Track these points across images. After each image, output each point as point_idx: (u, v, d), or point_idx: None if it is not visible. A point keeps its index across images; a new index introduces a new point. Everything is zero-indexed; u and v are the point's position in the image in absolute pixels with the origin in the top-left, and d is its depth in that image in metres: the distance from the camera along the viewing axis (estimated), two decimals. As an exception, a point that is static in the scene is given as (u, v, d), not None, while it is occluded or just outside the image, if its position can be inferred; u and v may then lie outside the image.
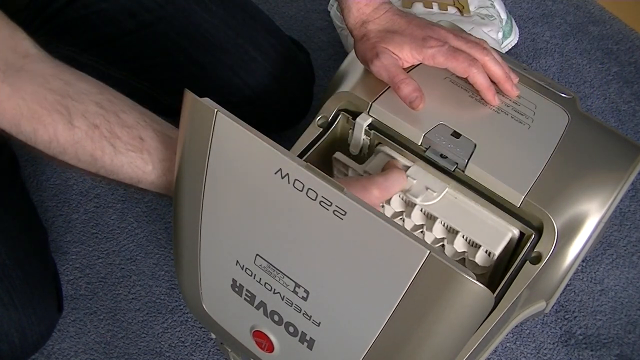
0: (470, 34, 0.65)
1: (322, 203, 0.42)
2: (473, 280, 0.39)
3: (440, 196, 0.58)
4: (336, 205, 0.41)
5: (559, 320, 0.83)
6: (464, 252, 0.58)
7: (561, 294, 0.84)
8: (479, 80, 0.60)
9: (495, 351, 0.81)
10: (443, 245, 0.59)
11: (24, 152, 0.92)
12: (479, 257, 0.57)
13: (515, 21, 1.13)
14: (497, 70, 0.61)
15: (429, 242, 0.60)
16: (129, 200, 0.92)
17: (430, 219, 0.59)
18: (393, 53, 0.62)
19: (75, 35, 0.81)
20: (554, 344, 0.82)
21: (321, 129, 0.63)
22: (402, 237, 0.39)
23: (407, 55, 0.62)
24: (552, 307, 0.84)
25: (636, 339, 0.82)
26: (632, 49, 1.12)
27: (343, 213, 0.41)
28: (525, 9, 1.18)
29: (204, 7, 0.82)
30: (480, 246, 0.56)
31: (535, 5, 1.18)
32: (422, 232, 0.60)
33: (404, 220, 0.61)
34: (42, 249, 0.80)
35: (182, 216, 0.52)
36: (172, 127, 0.57)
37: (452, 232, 0.58)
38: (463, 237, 0.57)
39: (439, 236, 0.59)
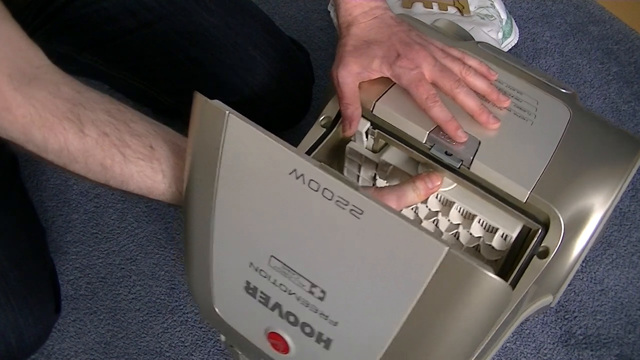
0: (455, 53, 0.63)
1: (338, 202, 0.42)
2: (492, 275, 0.39)
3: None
4: (353, 205, 0.41)
5: (559, 320, 0.83)
6: (480, 237, 0.59)
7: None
8: (439, 115, 0.58)
9: (495, 351, 0.81)
10: (458, 232, 0.60)
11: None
12: (496, 241, 0.58)
13: (515, 21, 1.13)
14: (471, 101, 0.59)
15: (444, 227, 0.61)
16: (129, 200, 0.92)
17: (446, 205, 0.59)
18: (362, 66, 0.61)
19: (76, 34, 0.81)
20: (554, 344, 0.82)
21: (324, 129, 0.63)
22: (420, 235, 0.39)
23: (376, 68, 0.60)
24: (552, 307, 0.84)
25: (636, 339, 0.82)
26: (632, 49, 1.12)
27: (360, 212, 0.41)
28: (525, 9, 1.18)
29: (203, 6, 0.82)
30: (497, 230, 0.57)
31: (535, 5, 1.18)
32: (436, 219, 0.61)
33: (417, 208, 0.61)
34: (41, 249, 0.80)
35: (193, 220, 0.52)
36: (182, 137, 0.56)
37: (468, 218, 0.59)
38: (479, 222, 0.58)
39: (455, 222, 0.60)
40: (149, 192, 0.55)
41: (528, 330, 0.82)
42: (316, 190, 0.42)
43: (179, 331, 0.82)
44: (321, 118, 0.63)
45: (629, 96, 1.06)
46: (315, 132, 0.63)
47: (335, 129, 0.63)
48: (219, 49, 0.82)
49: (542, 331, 0.82)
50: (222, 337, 0.70)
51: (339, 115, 0.63)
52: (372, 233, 0.42)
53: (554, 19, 1.16)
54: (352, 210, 0.41)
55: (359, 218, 0.41)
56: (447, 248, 0.39)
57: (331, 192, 0.42)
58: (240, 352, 0.66)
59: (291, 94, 0.87)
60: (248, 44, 0.83)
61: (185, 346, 0.81)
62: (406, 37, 0.62)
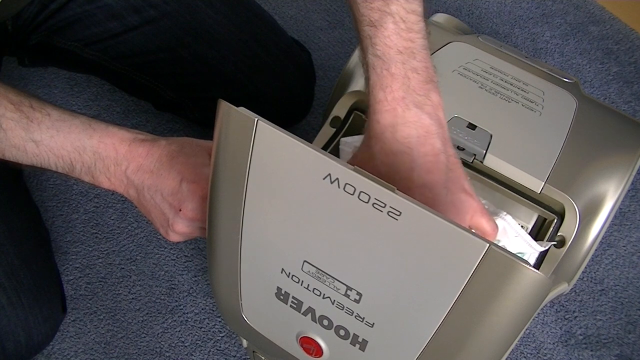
0: None
1: (375, 205, 0.41)
2: (533, 270, 0.39)
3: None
4: (390, 206, 0.41)
5: (559, 320, 0.83)
6: None
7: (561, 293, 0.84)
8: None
9: (495, 351, 0.81)
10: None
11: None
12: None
13: (516, 21, 1.13)
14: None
15: None
16: (129, 200, 0.92)
17: None
18: None
19: (79, 30, 0.81)
20: (554, 344, 0.82)
21: (334, 129, 0.63)
22: (460, 233, 0.39)
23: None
24: (553, 307, 0.84)
25: (636, 339, 0.82)
26: (632, 49, 1.12)
27: (398, 213, 0.41)
28: (525, 9, 1.18)
29: (207, 4, 0.82)
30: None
31: (535, 5, 1.18)
32: None
33: None
34: (47, 249, 0.80)
35: (219, 229, 0.51)
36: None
37: None
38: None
39: None
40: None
41: (528, 330, 0.82)
42: (352, 194, 0.42)
43: (179, 331, 0.82)
44: (330, 119, 0.63)
45: (629, 96, 1.06)
46: (325, 133, 0.62)
47: (344, 129, 0.63)
48: (222, 45, 0.82)
49: (542, 331, 0.82)
50: (244, 343, 0.69)
51: (347, 115, 0.63)
52: (411, 234, 0.41)
53: (554, 19, 1.16)
54: (389, 212, 0.41)
55: (396, 219, 0.41)
56: (487, 245, 0.39)
57: (367, 195, 0.41)
58: (263, 358, 0.66)
59: (293, 92, 0.88)
60: (251, 41, 0.83)
61: (185, 346, 0.80)
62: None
